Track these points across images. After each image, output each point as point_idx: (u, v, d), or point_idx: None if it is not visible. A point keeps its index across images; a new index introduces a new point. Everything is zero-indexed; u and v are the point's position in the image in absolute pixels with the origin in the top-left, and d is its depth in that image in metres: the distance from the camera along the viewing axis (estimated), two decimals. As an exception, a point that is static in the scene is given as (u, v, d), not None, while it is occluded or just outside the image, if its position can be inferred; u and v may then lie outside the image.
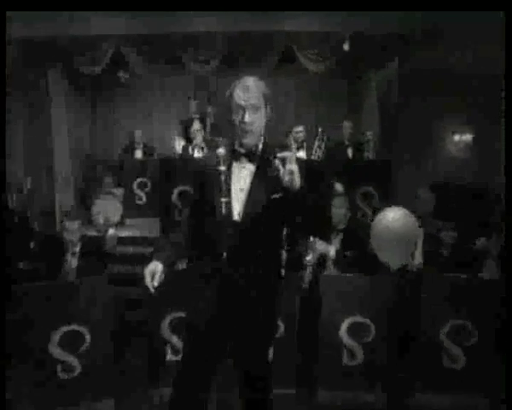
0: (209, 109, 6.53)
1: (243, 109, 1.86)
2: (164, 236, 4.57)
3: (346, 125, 6.07)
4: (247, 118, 1.86)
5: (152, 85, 7.81)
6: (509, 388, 2.33)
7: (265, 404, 2.04)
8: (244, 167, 1.95)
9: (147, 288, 1.90)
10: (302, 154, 5.40)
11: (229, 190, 1.92)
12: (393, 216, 3.15)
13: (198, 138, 5.58)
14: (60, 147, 6.66)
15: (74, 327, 2.83)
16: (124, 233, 5.34)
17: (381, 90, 6.67)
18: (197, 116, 6.37)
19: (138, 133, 6.73)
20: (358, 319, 3.05)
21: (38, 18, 5.33)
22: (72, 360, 2.82)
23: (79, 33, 5.76)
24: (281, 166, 1.73)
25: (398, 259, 3.15)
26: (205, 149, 5.54)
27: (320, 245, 3.51)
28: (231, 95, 1.90)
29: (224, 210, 1.89)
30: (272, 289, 1.98)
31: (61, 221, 4.24)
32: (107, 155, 7.48)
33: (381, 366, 3.05)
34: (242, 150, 1.94)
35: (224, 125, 2.00)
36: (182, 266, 2.96)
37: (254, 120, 1.88)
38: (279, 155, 1.74)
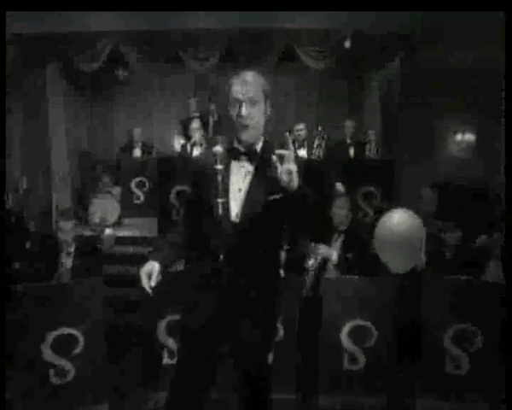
0: (212, 107, 6.48)
1: (240, 103, 1.81)
2: (161, 236, 4.51)
3: (349, 124, 6.05)
4: (243, 111, 1.81)
5: (152, 85, 7.78)
6: (509, 388, 2.26)
7: (265, 404, 2.00)
8: (243, 167, 1.89)
9: (143, 289, 1.84)
10: (303, 152, 5.36)
11: (226, 190, 1.86)
12: (398, 219, 3.01)
13: (196, 136, 5.52)
14: (57, 147, 6.63)
15: (67, 330, 2.75)
16: (122, 233, 5.27)
17: (383, 90, 6.66)
18: (197, 115, 6.31)
19: (137, 131, 6.70)
20: (359, 322, 2.97)
21: (34, 14, 5.26)
22: (65, 364, 2.75)
23: (76, 29, 5.71)
24: (278, 164, 1.68)
25: (402, 264, 3.01)
26: (203, 147, 5.48)
27: (322, 249, 3.44)
28: (229, 89, 1.85)
29: (220, 210, 1.83)
30: (271, 290, 1.94)
31: (56, 221, 4.18)
32: (107, 154, 7.43)
33: (382, 370, 2.98)
34: (241, 148, 1.89)
35: (226, 124, 1.93)
36: (179, 267, 2.90)
37: (252, 115, 1.83)
38: (277, 151, 1.69)
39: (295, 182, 1.67)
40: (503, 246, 3.41)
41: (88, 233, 4.32)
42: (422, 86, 5.64)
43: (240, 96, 1.81)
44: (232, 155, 1.90)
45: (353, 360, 2.99)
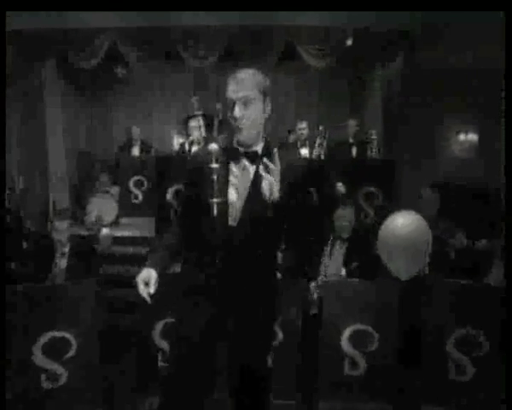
0: (218, 106, 6.41)
1: (233, 103, 1.74)
2: (158, 236, 4.44)
3: (352, 123, 5.98)
4: (236, 112, 1.74)
5: (151, 84, 7.76)
6: (509, 388, 2.19)
7: (264, 407, 1.96)
8: (244, 169, 1.82)
9: (139, 296, 1.79)
10: (305, 151, 5.30)
11: (222, 190, 1.79)
12: (403, 222, 2.90)
13: (195, 135, 5.46)
14: (55, 146, 6.59)
15: (59, 333, 2.67)
16: (120, 233, 5.20)
17: (384, 90, 6.62)
18: (200, 113, 6.25)
19: (136, 130, 6.68)
20: (360, 326, 2.90)
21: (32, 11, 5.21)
22: (57, 368, 2.67)
23: (75, 26, 5.65)
24: (264, 173, 1.66)
25: (405, 270, 2.88)
26: (201, 146, 5.42)
27: (331, 265, 3.37)
28: (226, 88, 1.78)
29: (216, 211, 1.76)
30: (267, 293, 1.89)
31: (51, 221, 4.12)
32: (107, 154, 7.39)
33: (384, 376, 2.90)
34: (241, 149, 1.82)
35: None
36: (177, 268, 2.83)
37: (247, 115, 1.75)
38: (264, 161, 1.67)
39: (275, 197, 1.66)
40: (504, 246, 3.34)
41: (84, 233, 4.25)
42: (422, 86, 5.60)
43: (233, 96, 1.74)
44: (232, 155, 1.83)
45: (354, 364, 2.91)
